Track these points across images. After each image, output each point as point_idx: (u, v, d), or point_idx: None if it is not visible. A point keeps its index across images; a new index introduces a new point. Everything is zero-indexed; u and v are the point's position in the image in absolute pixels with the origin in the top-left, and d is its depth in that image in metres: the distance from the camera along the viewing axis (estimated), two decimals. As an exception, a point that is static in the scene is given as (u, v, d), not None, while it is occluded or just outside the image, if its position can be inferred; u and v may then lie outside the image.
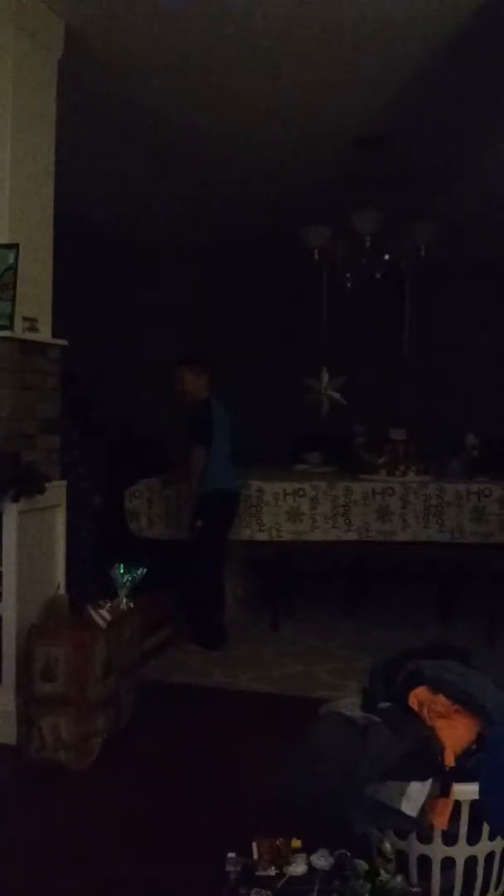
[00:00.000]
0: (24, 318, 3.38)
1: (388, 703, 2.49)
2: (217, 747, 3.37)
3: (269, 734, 3.37)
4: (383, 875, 2.09)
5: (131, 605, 3.52)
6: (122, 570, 3.52)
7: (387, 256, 5.34)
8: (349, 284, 5.61)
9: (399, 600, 5.64)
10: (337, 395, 5.46)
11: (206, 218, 6.80)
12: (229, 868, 2.20)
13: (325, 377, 5.47)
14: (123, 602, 3.49)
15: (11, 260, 3.29)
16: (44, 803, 2.88)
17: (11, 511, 3.26)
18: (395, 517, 5.03)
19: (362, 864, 2.13)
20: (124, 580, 3.51)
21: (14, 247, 3.30)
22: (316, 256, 5.36)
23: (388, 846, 2.17)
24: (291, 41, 3.72)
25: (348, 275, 5.56)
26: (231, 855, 2.23)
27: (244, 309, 7.59)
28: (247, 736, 3.46)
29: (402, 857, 2.17)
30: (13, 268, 3.28)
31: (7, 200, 3.34)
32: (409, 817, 2.14)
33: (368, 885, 2.06)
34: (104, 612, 3.34)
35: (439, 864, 2.12)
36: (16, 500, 3.25)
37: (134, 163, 5.42)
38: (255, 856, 2.24)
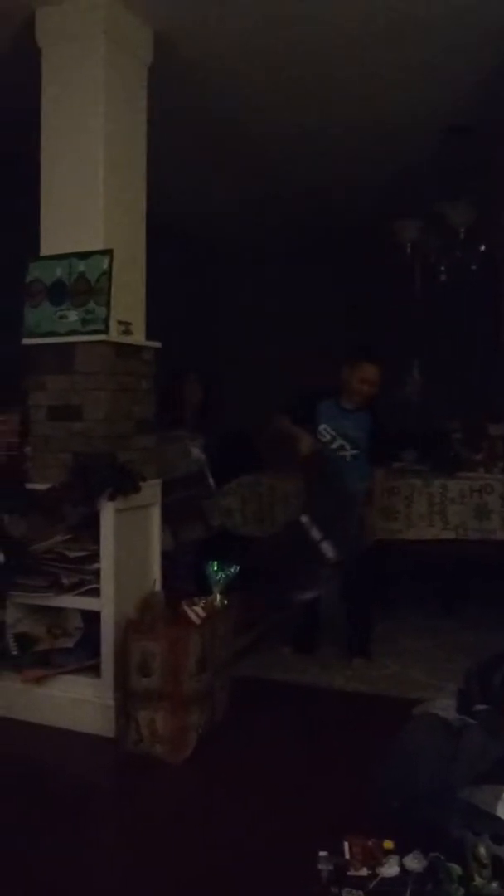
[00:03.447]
0: (119, 322, 3.47)
1: (484, 706, 2.44)
2: (311, 745, 3.37)
3: (363, 734, 3.35)
4: (478, 880, 2.05)
5: (225, 602, 3.55)
6: (215, 568, 3.57)
7: (483, 248, 5.22)
8: (443, 277, 5.51)
9: (498, 601, 5.49)
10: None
11: (293, 216, 6.79)
12: (321, 866, 2.20)
13: (417, 372, 5.39)
14: (217, 599, 3.53)
15: (106, 266, 3.38)
16: (140, 795, 2.95)
17: (109, 510, 3.35)
18: (494, 515, 4.89)
19: (456, 869, 2.09)
20: (218, 577, 3.56)
21: (108, 252, 3.39)
22: (408, 250, 5.29)
23: (483, 851, 2.12)
24: (380, 29, 3.67)
25: (442, 268, 5.46)
26: (323, 853, 2.23)
27: (334, 306, 7.55)
28: (341, 735, 3.45)
29: (497, 863, 2.12)
30: (108, 273, 3.37)
31: (101, 206, 3.45)
32: (504, 822, 2.09)
33: (462, 890, 2.02)
34: (198, 609, 3.38)
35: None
36: (112, 498, 3.34)
37: (219, 165, 5.48)
38: (347, 855, 2.23)
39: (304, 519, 3.91)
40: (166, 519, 3.87)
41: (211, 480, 4.76)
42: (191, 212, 6.44)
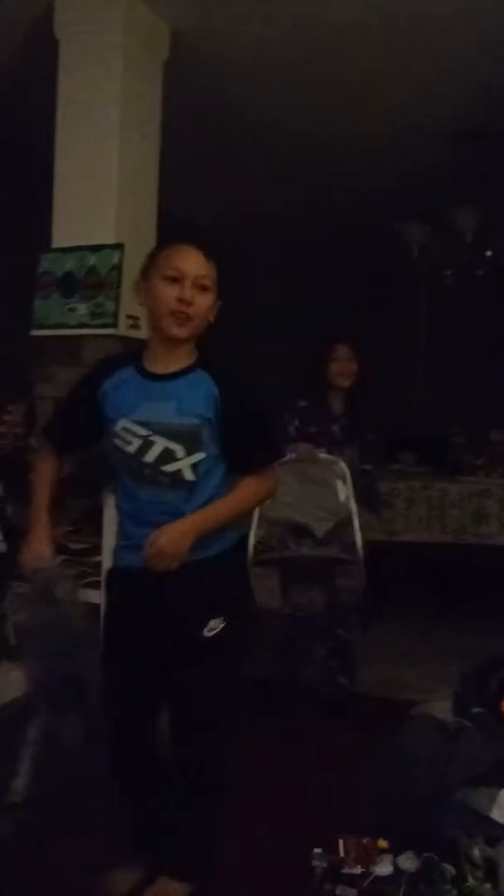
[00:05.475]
0: (128, 317, 3.47)
1: (480, 709, 2.46)
2: (305, 745, 3.39)
3: (358, 734, 3.36)
4: (471, 881, 2.07)
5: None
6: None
7: (489, 253, 5.25)
8: (449, 282, 5.53)
9: (494, 606, 5.51)
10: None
11: (299, 217, 6.79)
12: (315, 863, 2.22)
13: (421, 376, 5.41)
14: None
15: (116, 260, 3.39)
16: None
17: (111, 503, 3.36)
18: (493, 520, 4.92)
19: (449, 869, 2.11)
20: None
21: (119, 247, 3.40)
22: (415, 253, 5.30)
23: (476, 853, 2.14)
24: (392, 35, 3.70)
25: (448, 272, 5.48)
26: (317, 850, 2.25)
27: (338, 309, 7.55)
28: (336, 735, 3.46)
29: (490, 865, 2.14)
30: (118, 267, 3.38)
31: (114, 201, 3.45)
32: (499, 824, 2.11)
33: (455, 891, 2.04)
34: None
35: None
36: (115, 491, 3.34)
37: (231, 163, 5.48)
38: (342, 853, 2.25)
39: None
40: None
41: (357, 531, 3.09)
42: (197, 208, 6.44)
